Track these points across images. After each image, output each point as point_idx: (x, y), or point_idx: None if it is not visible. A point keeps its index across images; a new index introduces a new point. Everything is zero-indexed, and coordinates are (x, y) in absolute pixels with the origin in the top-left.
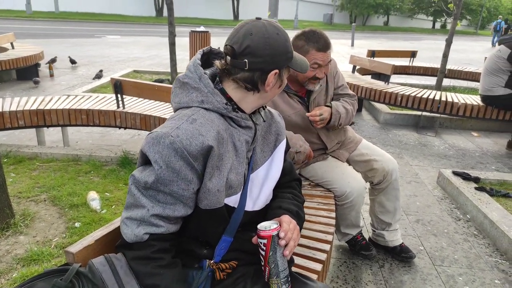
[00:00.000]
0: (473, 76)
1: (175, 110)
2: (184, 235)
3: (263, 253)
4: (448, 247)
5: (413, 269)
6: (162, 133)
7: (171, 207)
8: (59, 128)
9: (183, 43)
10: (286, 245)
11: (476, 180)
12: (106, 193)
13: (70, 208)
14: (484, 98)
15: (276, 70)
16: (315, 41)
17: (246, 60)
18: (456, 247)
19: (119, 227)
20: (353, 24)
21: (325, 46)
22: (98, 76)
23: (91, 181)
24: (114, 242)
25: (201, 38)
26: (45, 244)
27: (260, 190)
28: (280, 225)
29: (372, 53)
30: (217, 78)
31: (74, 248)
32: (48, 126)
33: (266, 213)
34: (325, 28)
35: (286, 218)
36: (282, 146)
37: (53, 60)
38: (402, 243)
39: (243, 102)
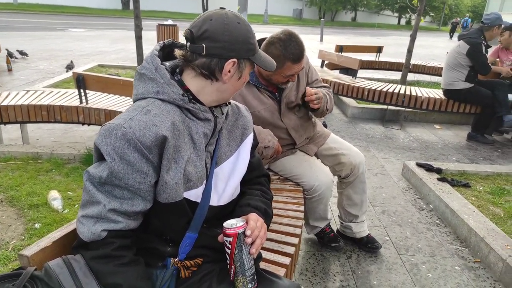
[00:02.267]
0: (436, 71)
1: (134, 102)
2: (146, 233)
3: (228, 251)
4: (412, 236)
5: (379, 259)
6: (115, 125)
7: (129, 201)
8: (18, 125)
9: (150, 37)
10: (252, 243)
11: (438, 171)
12: (69, 192)
13: (30, 209)
14: (446, 92)
15: (235, 60)
16: (292, 52)
17: (204, 45)
18: (419, 236)
19: None
20: (322, 19)
21: (301, 56)
22: (70, 67)
23: (52, 180)
24: (72, 244)
25: (169, 31)
26: (1, 248)
27: (226, 185)
28: (246, 222)
29: (340, 48)
30: (177, 70)
31: (29, 251)
32: (5, 123)
33: (232, 208)
34: (294, 23)
35: (253, 216)
36: (248, 141)
37: (10, 54)
38: (369, 234)
39: (202, 93)
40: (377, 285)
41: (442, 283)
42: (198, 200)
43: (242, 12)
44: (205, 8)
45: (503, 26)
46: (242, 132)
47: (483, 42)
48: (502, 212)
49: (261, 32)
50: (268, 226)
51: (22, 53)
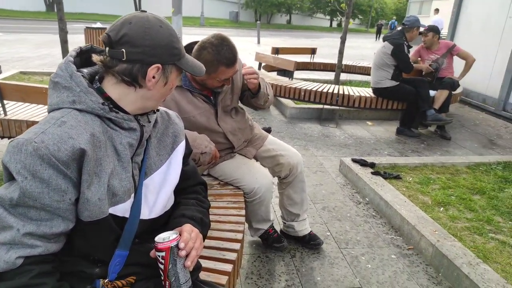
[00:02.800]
0: (365, 70)
1: (49, 113)
2: (70, 255)
3: (162, 266)
4: (351, 230)
5: (322, 254)
6: (24, 140)
7: (47, 223)
8: None
9: (78, 40)
10: (187, 256)
11: (372, 165)
12: None
13: None
14: (375, 90)
15: (158, 65)
16: (225, 56)
17: (123, 50)
18: (358, 229)
19: None
20: (258, 22)
21: (234, 60)
22: None
23: None
24: None
25: (98, 35)
26: None
27: (157, 196)
28: (180, 234)
29: (276, 50)
30: (96, 77)
31: None
32: None
33: (166, 220)
34: (231, 25)
35: (187, 227)
36: (180, 149)
37: None
38: (311, 231)
39: (124, 101)
40: (321, 281)
41: (380, 272)
42: (126, 215)
43: (176, 15)
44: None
45: (422, 28)
46: (173, 140)
47: (405, 42)
48: (430, 200)
49: (198, 34)
50: (205, 235)
51: None
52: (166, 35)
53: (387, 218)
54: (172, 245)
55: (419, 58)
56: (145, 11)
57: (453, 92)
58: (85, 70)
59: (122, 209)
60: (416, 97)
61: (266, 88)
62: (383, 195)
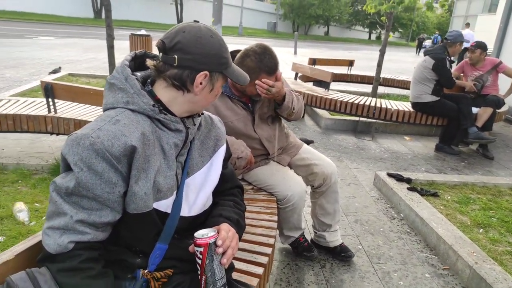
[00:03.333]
0: (404, 84)
1: (104, 111)
2: (115, 245)
3: (199, 261)
4: (384, 245)
5: (352, 267)
6: (82, 134)
7: (97, 212)
8: None
9: (123, 46)
10: (224, 253)
11: (408, 181)
12: (36, 204)
13: None
14: (414, 105)
15: (206, 72)
16: (267, 65)
17: (175, 56)
18: (391, 245)
19: None
20: (296, 33)
21: (275, 68)
22: (55, 71)
23: (18, 191)
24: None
25: (142, 41)
26: None
27: (197, 196)
28: (218, 232)
29: (313, 61)
30: (148, 80)
31: None
32: None
33: (204, 219)
34: (269, 35)
35: (225, 226)
36: (221, 152)
37: None
38: (342, 243)
39: (173, 104)
40: None
41: None
42: (168, 211)
43: (216, 24)
44: (179, 19)
45: (465, 43)
46: (215, 143)
47: (447, 57)
48: (469, 221)
49: (236, 44)
50: (240, 237)
51: None
52: (216, 45)
53: (422, 235)
54: (210, 242)
55: (462, 74)
56: (198, 22)
57: (497, 110)
58: (138, 74)
59: (165, 205)
60: (458, 113)
61: (292, 102)
62: (419, 212)
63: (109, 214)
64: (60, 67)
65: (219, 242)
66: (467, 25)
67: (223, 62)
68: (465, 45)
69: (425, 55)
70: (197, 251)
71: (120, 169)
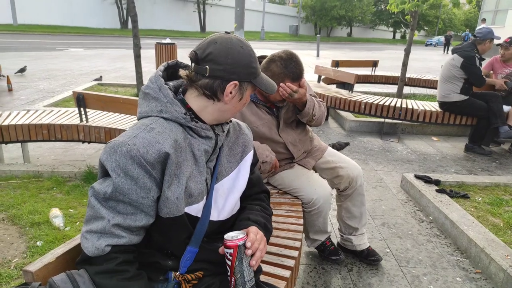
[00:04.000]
0: (431, 84)
1: (138, 120)
2: (148, 248)
3: (229, 263)
4: (412, 248)
5: (380, 271)
6: (119, 142)
7: (132, 217)
8: (19, 144)
9: (149, 55)
10: (252, 255)
11: (436, 182)
12: (70, 210)
13: (31, 227)
14: (442, 104)
15: (236, 82)
16: (292, 71)
17: (207, 67)
18: (420, 248)
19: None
20: (318, 35)
21: (300, 75)
22: (97, 80)
23: (53, 198)
24: (76, 259)
25: (167, 50)
26: (3, 266)
27: (226, 200)
28: (247, 235)
29: (336, 63)
30: (180, 89)
31: (33, 266)
32: (6, 143)
33: (232, 223)
34: (291, 39)
35: (253, 229)
36: (249, 158)
37: (22, 70)
38: (369, 246)
39: (204, 112)
40: None
41: None
42: (199, 215)
43: (239, 30)
44: (202, 27)
45: (496, 39)
46: (242, 149)
47: (477, 55)
48: (502, 223)
49: (259, 48)
50: (267, 240)
51: (21, 70)
52: (246, 55)
53: (452, 238)
54: (240, 244)
55: (491, 71)
56: (229, 33)
57: None
58: (171, 83)
59: (196, 209)
60: (488, 112)
61: (312, 109)
62: (449, 214)
63: (143, 218)
64: (101, 76)
65: (248, 244)
66: (483, 20)
67: (252, 72)
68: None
69: (453, 53)
70: (227, 252)
71: (154, 175)
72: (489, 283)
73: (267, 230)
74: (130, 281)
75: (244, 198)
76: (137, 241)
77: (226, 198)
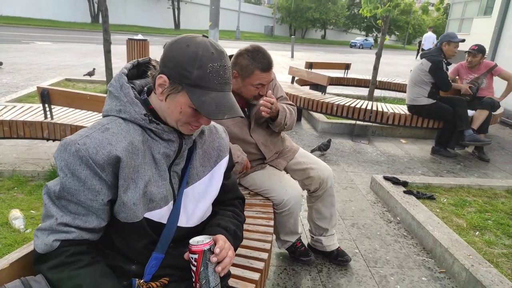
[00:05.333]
0: (400, 87)
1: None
2: (111, 249)
3: (194, 268)
4: (380, 249)
5: (349, 271)
6: (70, 141)
7: (83, 218)
8: None
9: (120, 51)
10: (219, 262)
11: (404, 184)
12: (32, 211)
13: None
14: (410, 108)
15: (164, 76)
16: (260, 61)
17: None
18: (388, 248)
19: None
20: (293, 36)
21: (268, 66)
22: (90, 74)
23: (14, 198)
24: None
25: (139, 46)
26: None
27: (196, 206)
28: (213, 240)
29: (310, 65)
30: (145, 88)
31: None
32: None
33: (201, 229)
34: (266, 39)
35: (222, 237)
36: (223, 163)
37: None
38: (339, 247)
39: (164, 113)
40: None
41: None
42: (163, 221)
43: (213, 28)
44: (177, 24)
45: (456, 41)
46: (217, 153)
47: (444, 60)
48: (465, 223)
49: (234, 47)
50: (236, 248)
51: None
52: (186, 55)
53: (418, 239)
54: (205, 249)
55: (457, 77)
56: (207, 37)
57: (493, 113)
58: (137, 82)
59: (158, 215)
60: (454, 116)
61: (284, 119)
62: (416, 215)
63: (94, 220)
64: (94, 69)
65: (217, 250)
66: (430, 28)
67: (185, 75)
68: (427, 46)
69: (421, 58)
70: (192, 258)
71: (104, 177)
72: (453, 282)
73: (237, 238)
74: (83, 268)
75: (217, 203)
76: (90, 238)
77: (197, 203)
